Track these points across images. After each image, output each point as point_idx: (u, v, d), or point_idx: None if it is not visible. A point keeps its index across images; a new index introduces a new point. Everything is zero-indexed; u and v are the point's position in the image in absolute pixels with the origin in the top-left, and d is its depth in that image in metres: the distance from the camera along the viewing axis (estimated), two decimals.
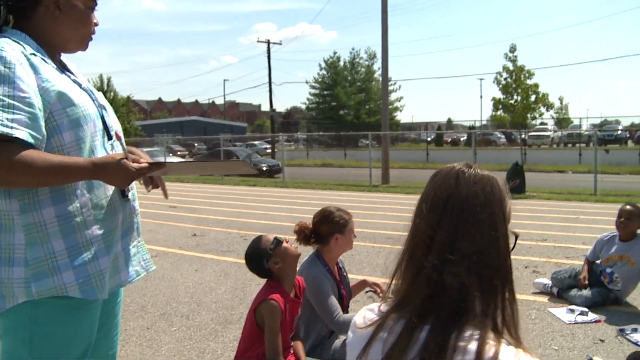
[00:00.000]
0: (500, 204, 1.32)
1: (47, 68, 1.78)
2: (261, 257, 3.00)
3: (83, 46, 2.00)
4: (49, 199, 1.72)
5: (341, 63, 60.84)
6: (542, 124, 43.82)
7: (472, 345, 1.14)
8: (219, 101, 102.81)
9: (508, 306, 1.23)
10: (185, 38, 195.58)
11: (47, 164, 1.62)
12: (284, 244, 3.04)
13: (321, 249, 3.76)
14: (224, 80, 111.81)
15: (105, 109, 1.99)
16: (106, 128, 1.94)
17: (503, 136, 47.75)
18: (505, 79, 17.94)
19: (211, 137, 45.59)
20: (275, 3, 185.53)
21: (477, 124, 61.61)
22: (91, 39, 2.01)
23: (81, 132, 1.79)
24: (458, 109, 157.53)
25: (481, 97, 74.94)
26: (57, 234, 1.72)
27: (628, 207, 5.57)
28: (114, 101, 46.37)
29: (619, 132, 42.58)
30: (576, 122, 51.63)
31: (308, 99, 62.25)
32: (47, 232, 1.71)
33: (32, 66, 1.72)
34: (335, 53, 61.74)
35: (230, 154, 27.48)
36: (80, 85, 1.92)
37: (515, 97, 17.83)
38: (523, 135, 26.09)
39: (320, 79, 61.31)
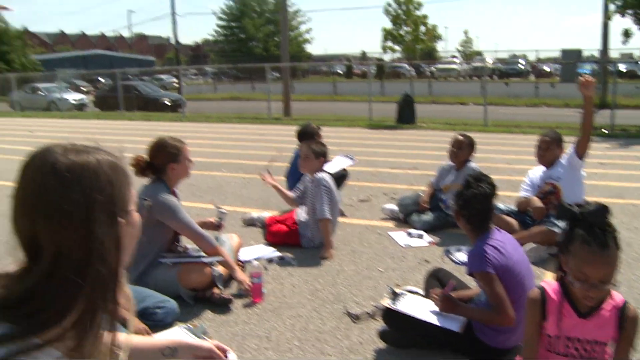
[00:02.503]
0: (103, 196, 1.13)
1: None
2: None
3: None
4: None
5: None
6: (453, 56, 44.74)
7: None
8: (126, 34, 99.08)
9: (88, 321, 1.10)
10: None
11: None
12: None
13: (161, 177, 4.01)
14: (129, 11, 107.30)
15: None
16: None
17: (413, 69, 48.61)
18: (394, 10, 18.26)
19: (115, 71, 44.27)
20: None
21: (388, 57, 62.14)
22: None
23: None
24: (371, 42, 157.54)
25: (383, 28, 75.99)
26: None
27: (460, 137, 5.98)
28: (6, 33, 43.80)
29: (521, 66, 44.10)
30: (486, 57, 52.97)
31: (216, 31, 61.06)
32: None
33: None
34: None
35: (131, 88, 26.83)
36: None
37: (404, 28, 18.26)
38: (432, 68, 26.74)
39: (228, 10, 60.05)
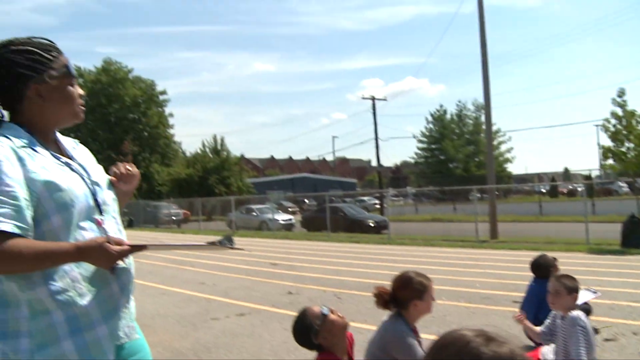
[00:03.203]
0: None
1: (37, 158, 1.94)
2: (308, 333, 2.96)
3: (77, 118, 2.16)
4: (41, 280, 1.87)
5: (448, 116, 60.53)
6: None
7: None
8: (330, 157, 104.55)
9: None
10: (295, 97, 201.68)
11: (34, 251, 1.78)
12: (331, 317, 2.99)
13: (400, 312, 3.76)
14: (333, 137, 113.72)
15: (99, 185, 2.14)
16: (97, 204, 2.09)
17: (625, 185, 45.52)
18: (614, 125, 17.14)
19: (320, 194, 46.30)
20: (382, 59, 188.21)
21: (595, 173, 58.86)
22: (82, 109, 2.17)
23: (68, 215, 1.95)
24: (574, 158, 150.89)
25: (598, 144, 71.78)
26: (56, 308, 1.88)
27: None
28: (227, 159, 48.35)
29: None
30: None
31: (416, 154, 62.19)
32: (45, 306, 1.86)
33: (20, 159, 1.88)
34: (441, 106, 61.74)
35: (337, 210, 27.71)
36: (70, 167, 2.07)
37: (626, 144, 16.96)
38: None
39: (427, 133, 61.17)
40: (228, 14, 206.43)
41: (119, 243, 1.95)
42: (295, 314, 3.11)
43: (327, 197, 27.93)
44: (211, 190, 45.30)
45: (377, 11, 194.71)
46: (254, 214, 32.26)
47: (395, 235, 22.37)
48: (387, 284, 3.77)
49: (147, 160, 55.21)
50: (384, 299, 3.73)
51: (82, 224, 2.00)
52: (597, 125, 63.67)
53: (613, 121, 17.24)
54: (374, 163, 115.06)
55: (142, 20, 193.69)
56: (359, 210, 30.88)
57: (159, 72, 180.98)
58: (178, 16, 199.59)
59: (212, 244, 2.04)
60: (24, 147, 1.93)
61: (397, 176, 77.01)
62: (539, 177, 57.21)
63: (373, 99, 44.34)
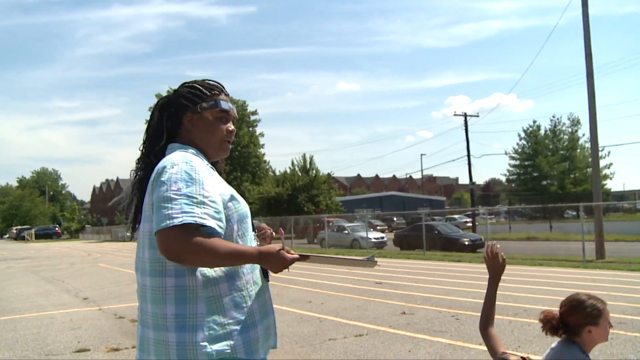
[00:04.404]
0: None
1: (214, 174, 2.25)
2: None
3: (222, 151, 2.44)
4: (224, 276, 2.12)
5: (542, 132, 58.68)
6: None
7: None
8: (416, 175, 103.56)
9: None
10: (380, 116, 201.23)
11: (227, 249, 2.01)
12: None
13: (573, 338, 3.43)
14: (421, 154, 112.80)
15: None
16: (252, 222, 2.38)
17: None
18: None
19: (410, 212, 45.73)
20: (468, 75, 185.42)
21: None
22: (228, 144, 2.45)
23: (245, 224, 2.26)
24: None
25: None
26: (230, 305, 2.11)
27: None
28: (316, 178, 48.57)
29: None
30: None
31: (508, 170, 60.72)
32: (222, 303, 2.10)
33: (210, 173, 2.19)
34: (535, 122, 59.79)
35: (431, 228, 27.28)
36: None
37: None
38: None
39: (520, 149, 59.53)
40: (313, 35, 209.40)
41: (288, 252, 2.18)
42: (414, 335, 2.89)
43: (423, 215, 27.48)
44: (300, 208, 45.49)
45: (462, 27, 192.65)
46: (346, 232, 32.13)
47: None
48: (506, 304, 3.47)
49: (238, 180, 56.27)
50: (552, 324, 3.41)
51: (252, 233, 2.32)
52: None
53: None
54: (461, 181, 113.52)
55: (229, 44, 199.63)
56: (453, 229, 30.24)
57: (245, 94, 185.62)
58: (263, 39, 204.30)
59: (368, 259, 2.31)
60: (207, 164, 2.27)
61: (488, 194, 75.23)
62: None
63: (465, 115, 43.54)
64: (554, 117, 60.63)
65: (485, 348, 2.92)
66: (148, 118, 2.46)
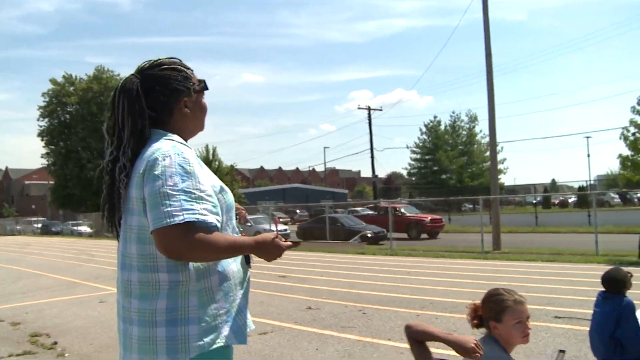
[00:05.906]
0: None
1: (202, 163, 2.19)
2: None
3: (202, 128, 2.43)
4: (215, 268, 2.08)
5: (442, 127, 60.27)
6: None
7: None
8: (319, 168, 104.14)
9: None
10: (284, 108, 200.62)
11: (226, 243, 2.00)
12: None
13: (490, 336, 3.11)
14: (324, 147, 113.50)
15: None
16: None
17: (617, 196, 45.62)
18: (633, 134, 16.66)
19: (313, 205, 45.72)
20: (371, 71, 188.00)
21: (584, 185, 58.89)
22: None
23: (230, 214, 2.24)
24: (560, 170, 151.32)
25: (589, 155, 71.30)
26: (220, 295, 2.09)
27: None
28: (219, 170, 47.68)
29: None
30: None
31: (409, 164, 61.86)
32: (212, 294, 2.07)
33: (200, 164, 2.12)
34: (435, 117, 61.23)
35: (334, 220, 27.32)
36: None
37: None
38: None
39: (421, 144, 60.88)
40: (217, 25, 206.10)
41: (281, 239, 2.17)
42: (321, 331, 2.59)
43: (327, 208, 27.35)
44: None
45: (367, 24, 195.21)
46: (249, 224, 31.60)
47: (397, 247, 21.78)
48: (408, 297, 3.17)
49: None
50: (472, 314, 3.08)
51: (235, 222, 2.28)
52: (587, 137, 63.90)
53: (632, 129, 16.80)
54: (363, 174, 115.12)
55: (131, 30, 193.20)
56: (356, 221, 30.28)
57: None
58: (167, 27, 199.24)
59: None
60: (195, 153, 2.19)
61: (389, 187, 76.62)
62: (535, 188, 56.91)
63: (369, 109, 43.96)
64: (453, 113, 62.37)
65: (394, 344, 2.60)
66: (106, 106, 2.25)
